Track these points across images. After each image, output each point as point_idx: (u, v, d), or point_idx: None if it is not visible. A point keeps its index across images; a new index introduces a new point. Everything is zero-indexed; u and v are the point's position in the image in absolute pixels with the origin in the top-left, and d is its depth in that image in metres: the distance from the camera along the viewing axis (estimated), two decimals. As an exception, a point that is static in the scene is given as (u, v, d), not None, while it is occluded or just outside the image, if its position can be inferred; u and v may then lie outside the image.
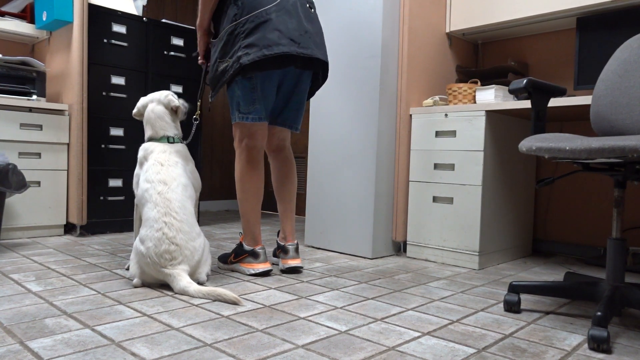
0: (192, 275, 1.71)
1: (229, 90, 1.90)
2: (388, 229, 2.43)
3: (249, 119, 1.87)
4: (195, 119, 2.04)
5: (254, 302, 1.57)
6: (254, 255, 1.92)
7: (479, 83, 2.46)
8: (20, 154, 2.56)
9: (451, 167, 2.27)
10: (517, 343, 1.28)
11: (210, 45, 1.97)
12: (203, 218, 3.69)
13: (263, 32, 1.75)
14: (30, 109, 2.61)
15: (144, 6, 3.08)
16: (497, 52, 2.86)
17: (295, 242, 2.02)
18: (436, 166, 2.32)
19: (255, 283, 1.82)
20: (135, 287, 1.70)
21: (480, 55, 2.93)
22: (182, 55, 3.07)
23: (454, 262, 2.27)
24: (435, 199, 2.32)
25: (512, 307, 1.56)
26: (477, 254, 2.19)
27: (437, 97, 2.40)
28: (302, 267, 2.01)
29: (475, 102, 2.35)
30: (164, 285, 1.72)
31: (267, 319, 1.40)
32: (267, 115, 1.92)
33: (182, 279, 1.65)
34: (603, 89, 1.55)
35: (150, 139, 1.90)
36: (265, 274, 1.92)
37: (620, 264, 1.44)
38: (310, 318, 1.43)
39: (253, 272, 1.90)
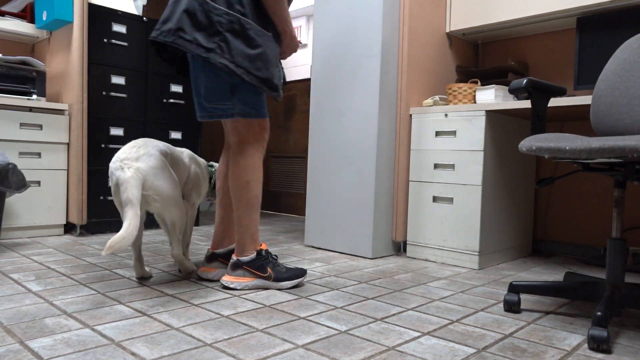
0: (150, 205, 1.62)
1: None
2: (388, 229, 2.43)
3: None
4: None
5: (254, 302, 1.57)
6: None
7: (479, 83, 2.46)
8: (20, 153, 2.56)
9: (451, 167, 2.27)
10: (517, 343, 1.28)
11: None
12: (203, 218, 3.69)
13: None
14: (30, 109, 2.61)
15: (144, 6, 3.08)
16: (497, 52, 2.86)
17: (236, 257, 1.72)
18: (436, 166, 2.32)
19: (255, 283, 1.82)
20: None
21: (480, 55, 2.93)
22: (182, 55, 3.07)
23: (454, 262, 2.27)
24: (435, 199, 2.32)
25: (512, 307, 1.56)
26: (477, 254, 2.19)
27: (437, 97, 2.40)
28: (225, 285, 1.70)
29: (475, 102, 2.35)
30: (163, 285, 1.72)
31: (267, 319, 1.40)
32: (199, 112, 1.76)
33: (130, 186, 1.47)
34: (603, 89, 1.55)
35: None
36: None
37: (620, 264, 1.43)
38: (310, 318, 1.43)
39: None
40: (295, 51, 1.81)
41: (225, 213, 1.86)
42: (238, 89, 1.65)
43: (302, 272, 1.79)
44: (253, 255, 1.71)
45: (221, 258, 1.85)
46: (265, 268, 1.72)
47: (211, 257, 1.84)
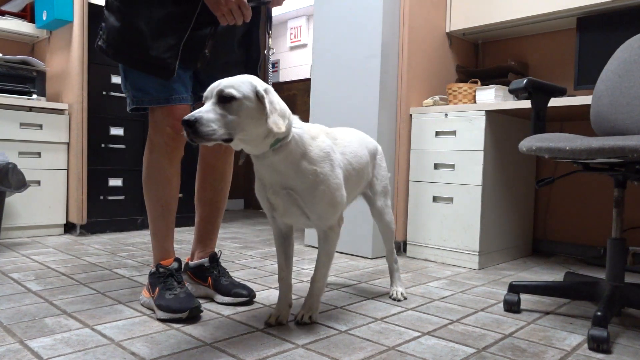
0: None
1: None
2: (388, 229, 2.43)
3: None
4: None
5: (253, 301, 1.57)
6: None
7: (479, 83, 2.46)
8: (20, 153, 2.56)
9: (451, 167, 2.27)
10: (517, 343, 1.28)
11: None
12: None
13: None
14: (30, 109, 2.61)
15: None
16: (497, 52, 2.86)
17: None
18: (436, 166, 2.32)
19: (255, 283, 1.82)
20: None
21: (480, 55, 2.93)
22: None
23: (454, 262, 2.27)
24: (435, 199, 2.32)
25: (512, 307, 1.56)
26: (477, 253, 2.19)
27: (437, 97, 2.40)
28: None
29: (475, 102, 2.35)
30: (163, 285, 1.71)
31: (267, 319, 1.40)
32: None
33: None
34: (603, 89, 1.55)
35: None
36: None
37: (620, 264, 1.43)
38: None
39: None
40: (234, 10, 1.31)
41: (200, 219, 1.66)
42: (126, 71, 1.42)
43: (184, 308, 1.33)
44: (153, 269, 1.47)
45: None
46: (155, 287, 1.42)
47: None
